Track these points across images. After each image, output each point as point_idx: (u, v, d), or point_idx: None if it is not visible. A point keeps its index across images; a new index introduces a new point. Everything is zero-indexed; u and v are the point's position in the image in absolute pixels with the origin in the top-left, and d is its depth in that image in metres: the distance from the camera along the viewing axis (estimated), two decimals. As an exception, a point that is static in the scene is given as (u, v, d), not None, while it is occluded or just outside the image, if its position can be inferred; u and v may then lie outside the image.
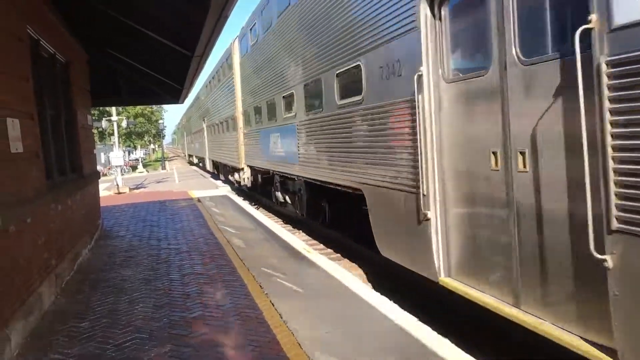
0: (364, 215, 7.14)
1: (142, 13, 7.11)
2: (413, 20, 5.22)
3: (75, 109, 8.30)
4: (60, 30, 7.57)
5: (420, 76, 5.07)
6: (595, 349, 3.40)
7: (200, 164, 37.04)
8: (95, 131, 17.80)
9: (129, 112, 46.31)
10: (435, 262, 5.14)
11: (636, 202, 2.97)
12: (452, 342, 4.25)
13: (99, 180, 11.62)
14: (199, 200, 15.25)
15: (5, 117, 4.51)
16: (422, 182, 5.11)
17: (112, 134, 29.89)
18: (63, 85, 7.82)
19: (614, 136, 3.07)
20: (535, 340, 4.06)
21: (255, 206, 15.64)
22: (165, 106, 60.76)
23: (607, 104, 3.07)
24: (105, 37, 9.05)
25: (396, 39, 5.65)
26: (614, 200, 3.09)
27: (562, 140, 3.58)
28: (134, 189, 22.19)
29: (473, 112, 4.59)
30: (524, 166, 3.94)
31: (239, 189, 20.00)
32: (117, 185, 21.18)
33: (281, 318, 4.77)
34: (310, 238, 11.02)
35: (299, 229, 12.17)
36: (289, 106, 11.00)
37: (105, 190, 19.95)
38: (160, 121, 56.58)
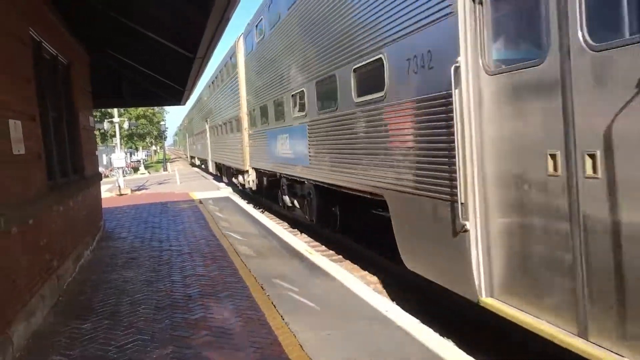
0: (381, 220, 6.79)
1: (143, 14, 7.14)
2: (449, 5, 4.62)
3: (77, 110, 8.32)
4: (62, 32, 7.61)
5: (457, 68, 4.46)
6: None
7: (203, 166, 36.64)
8: (97, 133, 17.81)
9: (130, 114, 46.47)
10: (475, 279, 4.48)
11: None
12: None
13: (101, 181, 11.62)
14: (200, 202, 15.26)
15: (8, 118, 4.53)
16: (460, 188, 4.50)
17: (114, 136, 29.97)
18: (65, 87, 7.83)
19: None
20: (536, 341, 4.00)
21: (260, 210, 15.12)
22: (166, 108, 60.97)
23: None
24: (106, 38, 9.10)
25: (428, 27, 5.04)
26: None
27: None
28: (135, 190, 22.22)
29: (523, 108, 3.98)
30: (594, 171, 3.33)
31: (240, 191, 19.67)
32: (119, 186, 21.24)
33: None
34: (312, 240, 10.97)
35: (301, 231, 11.97)
36: (298, 105, 10.37)
37: (107, 191, 20.01)
38: (162, 123, 56.77)
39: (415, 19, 5.28)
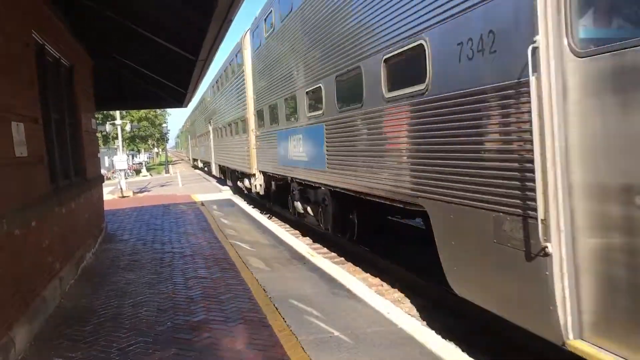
0: (415, 232, 6.07)
1: (145, 17, 7.16)
2: None
3: (79, 112, 8.34)
4: (65, 35, 7.60)
5: (535, 49, 3.60)
6: None
7: (206, 169, 36.24)
8: (99, 135, 17.85)
9: (132, 116, 46.54)
10: (560, 316, 3.61)
11: None
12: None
13: (103, 183, 11.63)
14: (202, 204, 15.27)
15: (10, 121, 4.54)
16: (539, 201, 3.62)
17: (116, 138, 30.03)
18: (67, 89, 7.84)
19: None
20: (536, 342, 3.92)
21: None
22: (168, 110, 61.13)
23: None
24: (108, 41, 9.14)
25: (488, 3, 4.20)
26: None
27: None
28: (137, 192, 22.24)
29: (630, 100, 3.14)
30: None
31: (242, 192, 19.35)
32: (121, 188, 21.25)
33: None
34: (310, 241, 10.90)
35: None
36: (314, 103, 9.46)
37: (109, 193, 20.04)
38: (164, 125, 56.91)
39: None
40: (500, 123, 4.13)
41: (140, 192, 22.82)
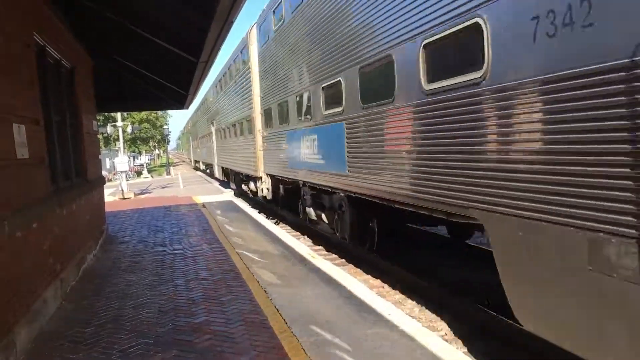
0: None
1: (146, 18, 7.17)
2: None
3: (80, 114, 8.34)
4: (66, 36, 7.61)
5: None
6: None
7: (208, 171, 35.67)
8: (100, 136, 17.85)
9: (134, 118, 46.61)
10: None
11: None
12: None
13: (104, 185, 11.63)
14: (203, 205, 15.26)
15: (12, 122, 4.54)
16: None
17: (117, 140, 30.03)
18: (68, 91, 7.84)
19: None
20: (536, 342, 3.94)
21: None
22: (169, 112, 61.17)
23: None
24: (109, 42, 9.15)
25: None
26: None
27: None
28: (138, 194, 22.23)
29: None
30: None
31: (245, 195, 18.94)
32: (122, 190, 21.25)
33: None
34: (311, 243, 10.68)
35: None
36: (332, 99, 8.51)
37: (110, 195, 20.04)
38: (165, 127, 56.93)
39: None
40: (600, 117, 3.26)
41: (142, 193, 22.82)
